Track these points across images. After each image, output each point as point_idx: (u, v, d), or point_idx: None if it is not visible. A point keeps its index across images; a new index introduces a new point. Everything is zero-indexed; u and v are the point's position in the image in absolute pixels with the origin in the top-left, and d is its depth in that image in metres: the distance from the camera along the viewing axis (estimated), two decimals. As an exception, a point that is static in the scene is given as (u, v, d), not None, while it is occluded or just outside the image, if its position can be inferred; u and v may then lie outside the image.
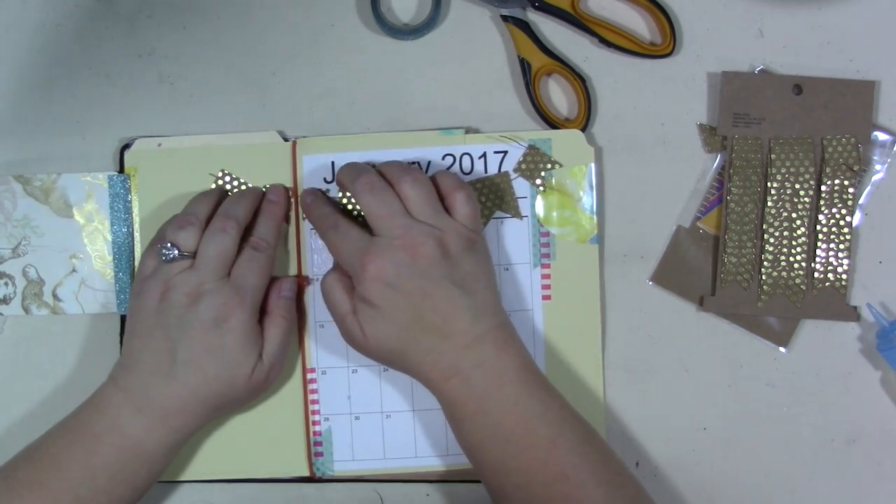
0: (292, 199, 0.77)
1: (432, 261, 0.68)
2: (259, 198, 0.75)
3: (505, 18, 0.77)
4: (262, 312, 0.73)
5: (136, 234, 0.78)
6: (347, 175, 0.72)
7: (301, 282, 0.77)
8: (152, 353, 0.69)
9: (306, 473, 0.77)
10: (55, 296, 0.78)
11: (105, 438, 0.68)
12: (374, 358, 0.71)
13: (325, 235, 0.72)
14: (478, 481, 0.76)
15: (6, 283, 0.79)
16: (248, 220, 0.73)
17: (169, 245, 0.71)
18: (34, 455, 0.69)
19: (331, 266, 0.75)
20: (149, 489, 0.71)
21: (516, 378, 0.69)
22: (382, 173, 0.72)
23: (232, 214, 0.72)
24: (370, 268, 0.68)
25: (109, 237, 0.78)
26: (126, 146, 0.78)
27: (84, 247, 0.79)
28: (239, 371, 0.70)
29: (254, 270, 0.71)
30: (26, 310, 0.79)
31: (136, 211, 0.78)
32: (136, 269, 0.77)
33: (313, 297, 0.77)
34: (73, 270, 0.78)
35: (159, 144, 0.78)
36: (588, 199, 0.76)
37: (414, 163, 0.76)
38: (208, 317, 0.69)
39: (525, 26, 0.77)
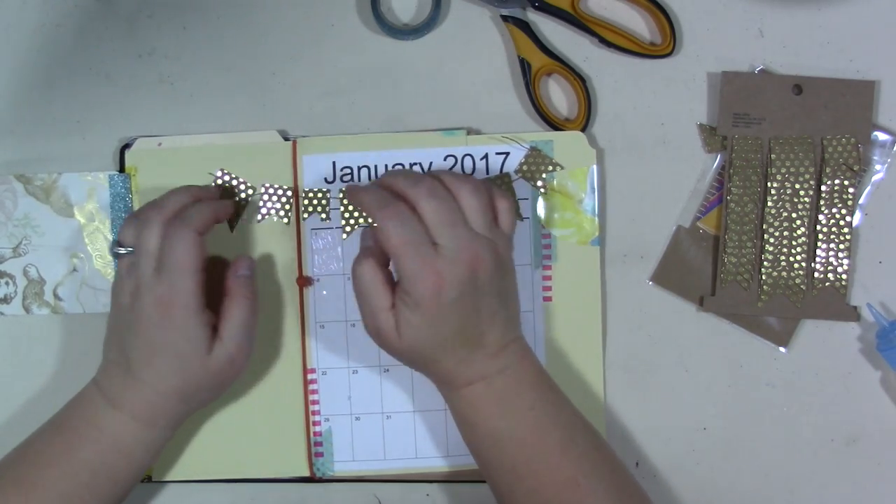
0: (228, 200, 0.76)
1: (488, 276, 0.67)
2: (196, 195, 0.72)
3: (505, 18, 0.77)
4: (223, 294, 0.71)
5: (137, 234, 0.78)
6: (403, 180, 0.68)
7: (300, 282, 0.77)
8: (115, 352, 0.70)
9: (306, 474, 0.77)
10: (56, 295, 0.79)
11: (84, 434, 0.69)
12: (397, 356, 0.70)
13: (384, 223, 0.66)
14: (478, 481, 0.76)
15: (7, 283, 0.79)
16: (176, 211, 0.70)
17: (113, 242, 0.72)
18: (21, 454, 0.70)
19: (358, 253, 0.71)
20: (133, 485, 0.71)
21: (535, 384, 0.70)
22: (440, 180, 0.69)
23: (157, 204, 0.71)
24: (431, 280, 0.65)
25: (110, 236, 0.78)
26: (126, 146, 0.78)
27: (85, 246, 0.79)
28: (190, 363, 0.68)
29: (177, 250, 0.67)
30: (27, 309, 0.79)
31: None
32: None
33: (313, 297, 0.77)
34: (74, 270, 0.78)
35: (160, 144, 0.78)
36: (590, 201, 0.76)
37: (415, 164, 0.76)
38: (147, 315, 0.67)
39: (525, 26, 0.77)
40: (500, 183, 0.76)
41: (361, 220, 0.76)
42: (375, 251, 0.69)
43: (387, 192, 0.68)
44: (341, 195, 0.76)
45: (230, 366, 0.70)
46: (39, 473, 0.68)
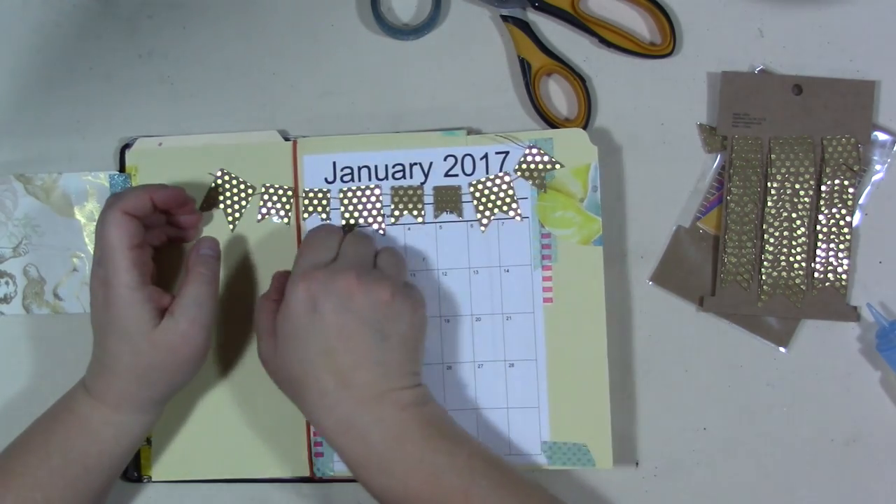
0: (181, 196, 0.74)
1: (366, 304, 0.67)
2: (152, 191, 0.71)
3: (505, 18, 0.77)
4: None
5: (137, 234, 0.78)
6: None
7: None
8: (94, 342, 0.71)
9: (307, 474, 0.77)
10: (56, 295, 0.79)
11: (60, 418, 0.70)
12: (276, 381, 0.71)
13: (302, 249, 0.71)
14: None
15: (7, 283, 0.79)
16: (133, 204, 0.70)
17: None
18: (9, 447, 0.71)
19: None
20: (108, 478, 0.70)
21: (420, 434, 0.66)
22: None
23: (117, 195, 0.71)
24: (307, 284, 0.67)
25: (110, 237, 0.78)
26: (127, 145, 0.78)
27: (85, 246, 0.79)
28: (137, 339, 0.68)
29: (107, 230, 0.68)
30: (27, 309, 0.79)
31: (136, 211, 0.78)
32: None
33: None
34: (74, 270, 0.79)
35: (160, 144, 0.78)
36: (592, 200, 0.76)
37: (415, 164, 0.76)
38: (94, 297, 0.69)
39: (525, 26, 0.77)
40: (500, 182, 0.76)
41: (361, 221, 0.76)
42: (278, 289, 0.71)
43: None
44: (341, 195, 0.76)
45: (182, 341, 0.69)
46: (18, 461, 0.69)
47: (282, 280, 0.71)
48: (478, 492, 0.65)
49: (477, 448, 0.68)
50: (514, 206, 0.76)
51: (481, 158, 0.76)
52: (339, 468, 0.76)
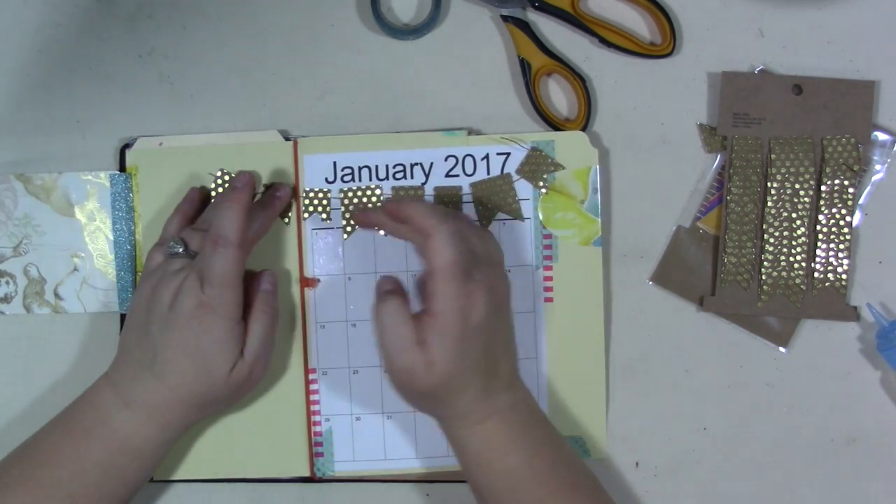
0: (278, 193, 0.76)
1: (505, 304, 0.69)
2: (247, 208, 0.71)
3: (505, 18, 0.77)
4: (245, 308, 0.71)
5: (138, 233, 0.78)
6: (423, 210, 0.67)
7: (301, 282, 0.77)
8: (139, 349, 0.69)
9: (307, 474, 0.77)
10: (57, 294, 0.79)
11: (95, 434, 0.68)
12: (418, 395, 0.68)
13: (444, 236, 0.65)
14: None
15: (7, 282, 0.79)
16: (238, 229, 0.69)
17: (177, 240, 0.71)
18: (27, 452, 0.69)
19: (378, 298, 0.69)
20: (141, 485, 0.71)
21: (542, 420, 0.71)
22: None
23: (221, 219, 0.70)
24: (462, 300, 0.65)
25: (111, 236, 0.78)
26: (127, 145, 0.78)
27: (86, 245, 0.79)
28: (217, 372, 0.68)
29: (216, 269, 0.67)
30: (27, 309, 0.79)
31: (137, 210, 0.78)
32: (137, 268, 0.78)
33: (314, 298, 0.77)
34: (75, 269, 0.79)
35: (160, 143, 0.78)
36: (592, 202, 0.76)
37: (416, 164, 0.76)
38: (184, 319, 0.68)
39: (525, 26, 0.77)
40: (501, 183, 0.76)
41: (362, 221, 0.77)
42: (399, 294, 0.68)
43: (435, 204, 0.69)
44: (341, 195, 0.76)
45: (247, 380, 0.70)
46: (47, 472, 0.68)
47: (398, 285, 0.69)
48: (582, 490, 0.69)
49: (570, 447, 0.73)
50: (515, 207, 0.76)
51: (482, 159, 0.76)
52: (339, 468, 0.77)
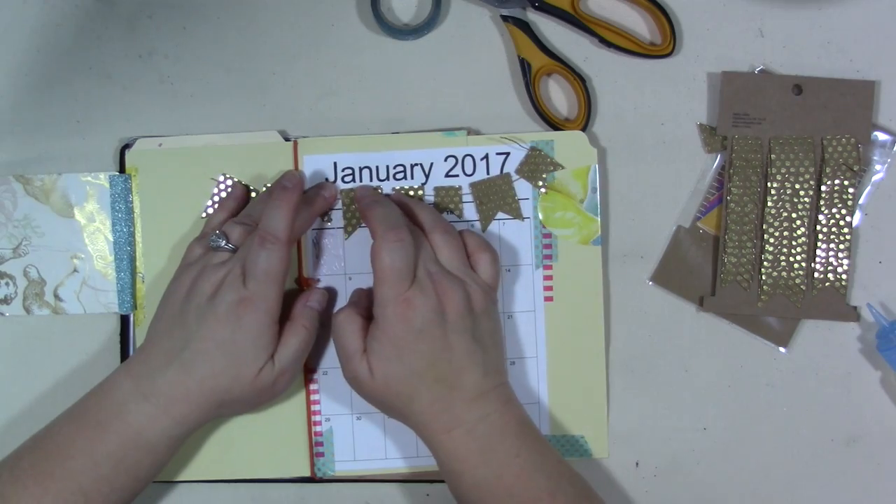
0: (325, 193, 0.76)
1: (459, 314, 0.68)
2: (297, 206, 0.72)
3: (505, 18, 0.77)
4: (287, 318, 0.72)
5: (138, 234, 0.78)
6: (379, 215, 0.70)
7: (301, 282, 0.77)
8: (170, 338, 0.69)
9: (307, 474, 0.77)
10: (56, 296, 0.79)
11: (109, 426, 0.68)
12: (374, 400, 0.71)
13: (384, 245, 0.68)
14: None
15: (7, 284, 0.79)
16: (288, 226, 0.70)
17: (219, 233, 0.72)
18: (39, 444, 0.69)
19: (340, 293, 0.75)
20: (151, 480, 0.71)
21: (518, 431, 0.70)
22: (412, 215, 0.72)
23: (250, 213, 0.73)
24: (401, 306, 0.67)
25: (111, 237, 0.78)
26: (127, 146, 0.78)
27: (85, 247, 0.79)
28: (245, 369, 0.69)
29: (262, 264, 0.68)
30: (27, 310, 0.79)
31: (137, 211, 0.78)
32: (137, 269, 0.78)
33: (314, 297, 0.77)
34: (75, 270, 0.78)
35: (160, 144, 0.78)
36: (591, 201, 0.76)
37: (416, 164, 0.76)
38: (223, 311, 0.68)
39: (525, 26, 0.77)
40: (501, 183, 0.76)
41: (363, 221, 0.76)
42: (358, 305, 0.72)
43: (397, 210, 0.70)
44: (342, 195, 0.76)
45: (272, 386, 0.70)
46: (59, 464, 0.67)
47: (362, 296, 0.73)
48: (563, 497, 0.68)
49: (561, 457, 0.71)
50: (515, 206, 0.76)
51: (482, 159, 0.76)
52: (339, 468, 0.77)
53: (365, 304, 0.72)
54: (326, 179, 0.76)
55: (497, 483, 0.68)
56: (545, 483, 0.68)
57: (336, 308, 0.76)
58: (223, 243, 0.71)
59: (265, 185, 0.77)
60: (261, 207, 0.72)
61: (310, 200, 0.75)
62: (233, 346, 0.68)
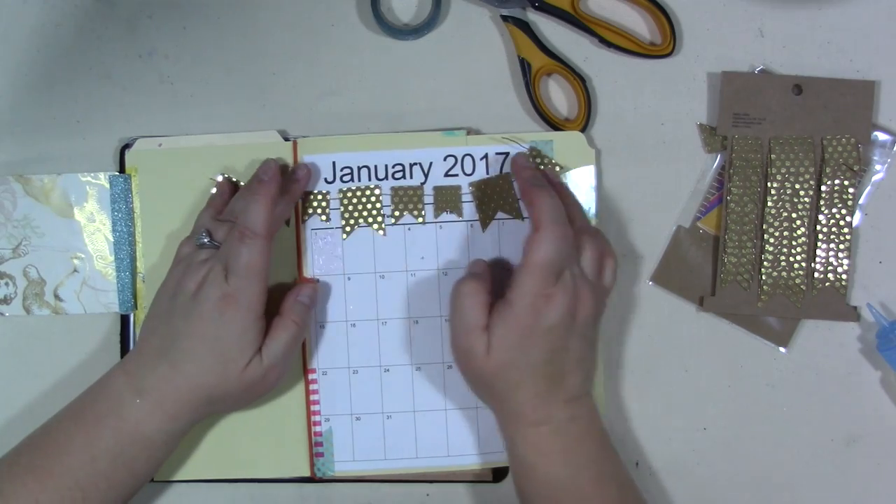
0: (299, 176, 0.76)
1: (585, 320, 0.68)
2: (274, 198, 0.72)
3: (505, 18, 0.77)
4: (277, 313, 0.72)
5: (138, 234, 0.78)
6: (547, 205, 0.68)
7: (302, 282, 0.77)
8: (159, 336, 0.70)
9: (307, 474, 0.77)
10: (56, 296, 0.79)
11: (106, 423, 0.69)
12: (475, 376, 0.70)
13: (549, 237, 0.67)
14: (478, 482, 0.76)
15: (7, 284, 0.79)
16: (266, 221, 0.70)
17: (204, 231, 0.72)
18: (37, 442, 0.69)
19: (464, 275, 0.72)
20: (149, 477, 0.71)
21: (600, 439, 0.70)
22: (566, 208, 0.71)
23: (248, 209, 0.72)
24: (540, 300, 0.66)
25: (111, 237, 0.78)
26: (127, 146, 0.78)
27: (85, 247, 0.79)
28: (232, 365, 0.69)
29: (243, 259, 0.68)
30: (27, 310, 0.79)
31: (137, 211, 0.78)
32: (137, 269, 0.78)
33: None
34: (75, 270, 0.79)
35: (160, 144, 0.78)
36: (589, 202, 0.76)
37: (415, 164, 0.76)
38: (206, 308, 0.68)
39: (525, 26, 0.77)
40: (500, 183, 0.76)
41: (361, 221, 0.76)
42: (482, 279, 0.70)
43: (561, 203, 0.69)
44: (340, 195, 0.76)
45: (261, 382, 0.70)
46: (57, 461, 0.68)
47: (485, 269, 0.72)
48: None
49: (629, 473, 0.72)
50: (514, 206, 0.76)
51: (481, 159, 0.76)
52: (339, 468, 0.77)
53: (487, 278, 0.71)
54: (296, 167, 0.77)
55: (571, 483, 0.68)
56: (616, 493, 0.69)
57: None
58: (207, 241, 0.71)
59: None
60: (242, 203, 0.72)
61: (285, 188, 0.74)
62: (218, 343, 0.68)
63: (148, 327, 0.71)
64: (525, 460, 0.69)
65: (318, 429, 0.77)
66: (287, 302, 0.73)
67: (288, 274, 0.77)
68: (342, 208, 0.77)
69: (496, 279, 0.72)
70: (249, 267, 0.68)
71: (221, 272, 0.69)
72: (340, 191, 0.77)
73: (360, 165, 0.76)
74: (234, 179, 0.77)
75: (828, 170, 0.76)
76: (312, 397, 0.77)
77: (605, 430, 0.71)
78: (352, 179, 0.77)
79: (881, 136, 0.77)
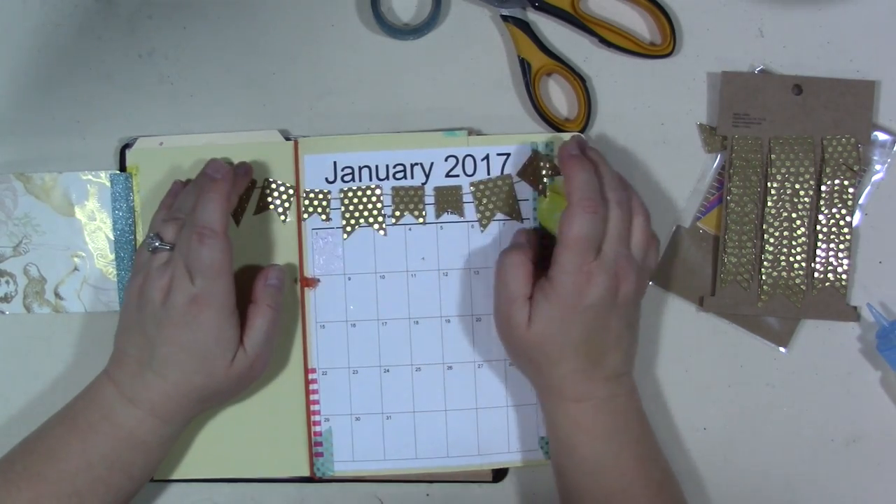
0: (241, 171, 0.75)
1: (626, 299, 0.69)
2: (227, 191, 0.71)
3: (505, 18, 0.77)
4: (249, 301, 0.72)
5: (138, 233, 0.78)
6: (581, 180, 0.68)
7: (304, 283, 0.77)
8: (136, 347, 0.70)
9: (307, 474, 0.77)
10: (57, 294, 0.79)
11: (100, 429, 0.69)
12: (516, 347, 0.71)
13: (580, 212, 0.67)
14: (478, 482, 0.76)
15: (7, 282, 0.79)
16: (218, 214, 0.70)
17: (153, 236, 0.71)
18: (31, 447, 0.69)
19: (509, 245, 0.73)
20: (147, 479, 0.71)
21: (640, 419, 0.71)
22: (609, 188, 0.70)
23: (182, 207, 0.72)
24: (581, 277, 0.67)
25: (111, 235, 0.78)
26: (127, 145, 0.78)
27: (86, 245, 0.79)
28: (217, 364, 0.69)
29: (206, 259, 0.67)
30: (28, 308, 0.79)
31: (137, 209, 0.78)
32: (136, 267, 0.78)
33: (314, 298, 0.77)
34: (75, 269, 0.79)
35: (161, 143, 0.78)
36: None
37: (416, 164, 0.76)
38: (178, 315, 0.68)
39: (525, 26, 0.77)
40: (501, 184, 0.76)
41: (362, 221, 0.76)
42: (526, 249, 0.71)
43: (595, 179, 0.69)
44: (341, 195, 0.76)
45: (249, 372, 0.71)
46: (53, 468, 0.68)
47: (530, 239, 0.73)
48: (668, 491, 0.70)
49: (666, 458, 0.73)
50: (515, 207, 0.76)
51: (482, 159, 0.76)
52: (339, 468, 0.77)
53: (531, 248, 0.72)
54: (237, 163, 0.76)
55: (613, 461, 0.69)
56: (657, 474, 0.70)
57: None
58: (158, 244, 0.70)
59: (266, 179, 0.77)
60: (191, 200, 0.71)
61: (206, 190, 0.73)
62: (197, 346, 0.68)
63: (122, 339, 0.71)
64: (566, 436, 0.70)
65: (317, 429, 0.77)
66: (258, 288, 0.72)
67: (289, 274, 0.77)
68: (343, 208, 0.77)
69: (540, 249, 0.73)
70: (214, 266, 0.68)
71: (185, 275, 0.68)
72: (341, 191, 0.77)
73: (362, 165, 0.76)
74: (184, 180, 0.77)
75: (828, 170, 0.76)
76: (312, 397, 0.77)
77: (645, 413, 0.72)
78: (353, 179, 0.77)
79: (881, 136, 0.77)
